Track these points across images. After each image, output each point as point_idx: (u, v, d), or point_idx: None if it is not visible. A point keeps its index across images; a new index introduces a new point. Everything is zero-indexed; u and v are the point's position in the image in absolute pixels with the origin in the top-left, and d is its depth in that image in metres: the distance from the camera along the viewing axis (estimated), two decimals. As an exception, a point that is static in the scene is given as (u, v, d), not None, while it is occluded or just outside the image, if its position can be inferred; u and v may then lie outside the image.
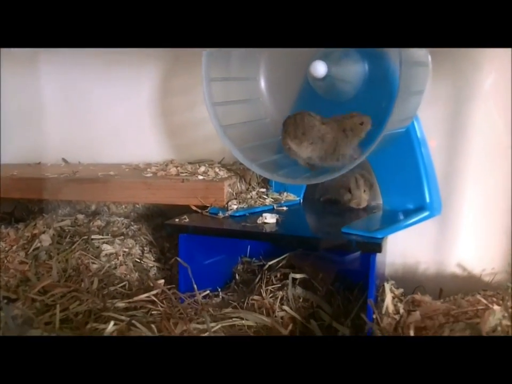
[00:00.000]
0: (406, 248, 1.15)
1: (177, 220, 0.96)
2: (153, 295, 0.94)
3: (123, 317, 0.85)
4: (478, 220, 1.10)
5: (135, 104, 1.34)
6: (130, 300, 0.92)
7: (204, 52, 0.99)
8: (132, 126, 1.35)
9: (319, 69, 0.91)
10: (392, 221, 0.92)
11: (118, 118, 1.37)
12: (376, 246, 0.81)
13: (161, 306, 0.91)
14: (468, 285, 1.05)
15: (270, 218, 0.94)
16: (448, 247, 1.13)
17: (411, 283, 1.08)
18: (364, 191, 1.04)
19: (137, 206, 1.27)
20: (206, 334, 0.79)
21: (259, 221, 0.94)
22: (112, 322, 0.80)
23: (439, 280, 1.12)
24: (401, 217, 0.94)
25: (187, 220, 0.96)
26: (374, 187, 1.06)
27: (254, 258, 1.16)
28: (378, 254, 0.84)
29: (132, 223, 1.21)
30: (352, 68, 0.95)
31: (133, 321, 0.82)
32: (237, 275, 1.12)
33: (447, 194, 1.08)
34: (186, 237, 0.94)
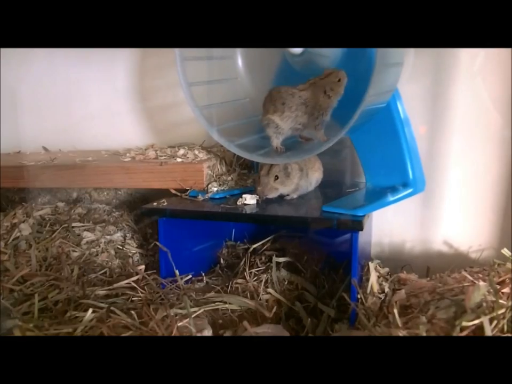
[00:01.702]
0: (392, 227, 1.15)
1: (155, 203, 0.94)
2: (134, 281, 0.92)
3: (102, 304, 0.84)
4: (464, 197, 1.09)
5: (113, 89, 1.32)
6: (110, 287, 0.90)
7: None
8: (112, 111, 1.33)
9: (296, 45, 0.88)
10: (374, 198, 0.90)
11: (98, 103, 1.34)
12: (357, 224, 0.79)
13: (142, 293, 0.89)
14: (455, 262, 1.04)
15: (250, 199, 0.92)
16: (435, 224, 1.13)
17: (398, 262, 1.07)
18: (276, 178, 0.95)
19: (119, 192, 1.25)
20: (186, 321, 0.77)
21: (239, 202, 0.93)
22: (90, 310, 0.79)
23: (426, 258, 1.12)
24: (384, 194, 0.92)
25: (165, 203, 0.94)
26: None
27: (238, 242, 1.15)
28: (361, 233, 0.82)
29: (114, 209, 1.19)
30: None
31: (112, 308, 0.81)
32: (221, 259, 1.10)
33: (432, 172, 1.08)
34: (165, 221, 0.92)
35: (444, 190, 1.10)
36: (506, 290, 0.79)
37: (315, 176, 1.01)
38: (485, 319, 0.64)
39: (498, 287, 0.77)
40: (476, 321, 0.65)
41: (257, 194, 0.95)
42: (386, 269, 0.97)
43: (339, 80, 0.91)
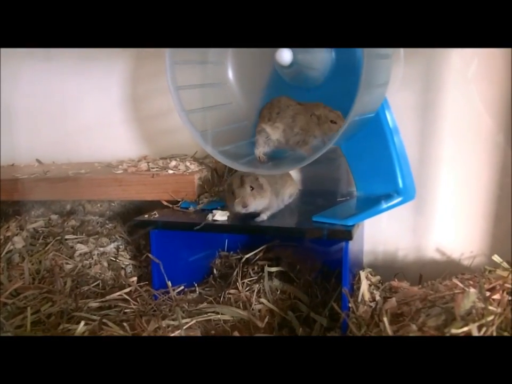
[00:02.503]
0: (385, 235, 1.15)
1: (146, 215, 0.94)
2: (127, 293, 0.92)
3: (95, 317, 0.84)
4: (455, 204, 1.10)
5: (107, 100, 1.32)
6: (103, 299, 0.91)
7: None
8: (105, 123, 1.33)
9: (285, 56, 0.89)
10: (364, 207, 0.91)
11: (91, 115, 1.34)
12: (347, 234, 0.80)
13: (134, 304, 0.90)
14: (448, 269, 1.04)
15: (220, 216, 0.91)
16: (427, 232, 1.13)
17: (391, 270, 1.08)
18: (252, 188, 0.89)
19: (113, 204, 1.25)
20: (178, 332, 0.78)
21: (209, 218, 0.91)
22: (82, 323, 0.79)
23: (419, 266, 1.12)
24: (374, 203, 0.92)
25: (157, 215, 0.94)
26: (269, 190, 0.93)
27: (231, 252, 1.15)
28: (352, 242, 0.83)
29: (107, 221, 1.20)
30: (319, 55, 0.93)
31: (104, 321, 0.81)
32: (214, 269, 1.11)
33: (424, 179, 1.08)
34: (157, 233, 0.93)
35: (436, 198, 1.11)
36: (496, 296, 0.79)
37: (288, 191, 1.01)
38: (473, 326, 0.64)
39: (488, 293, 0.78)
40: (465, 329, 0.65)
41: (235, 208, 0.89)
42: (378, 277, 0.98)
43: (332, 121, 0.91)
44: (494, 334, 0.64)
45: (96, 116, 1.35)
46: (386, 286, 0.95)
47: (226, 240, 1.16)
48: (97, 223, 1.19)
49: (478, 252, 1.09)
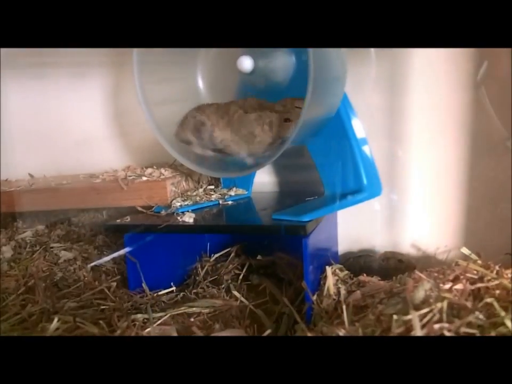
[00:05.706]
0: (360, 233, 1.17)
1: (118, 220, 0.98)
2: (104, 293, 0.96)
3: (70, 315, 0.88)
4: (429, 200, 1.13)
5: (94, 116, 1.38)
6: (79, 298, 0.94)
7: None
8: (93, 137, 1.38)
9: (246, 64, 0.93)
10: (324, 204, 0.94)
11: (79, 131, 1.40)
12: (302, 229, 0.82)
13: (108, 304, 0.93)
14: (424, 264, 1.06)
15: (187, 218, 0.95)
16: (402, 228, 1.15)
17: (367, 267, 1.09)
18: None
19: (97, 212, 1.30)
20: (149, 329, 0.81)
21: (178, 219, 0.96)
22: (56, 319, 0.82)
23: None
24: (337, 200, 0.95)
25: (129, 219, 0.98)
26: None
27: (212, 254, 1.18)
28: (315, 237, 0.86)
29: (91, 229, 1.24)
30: (280, 59, 0.97)
31: (77, 319, 0.85)
32: (194, 271, 1.13)
33: (396, 177, 1.11)
34: (131, 237, 0.96)
35: (410, 194, 1.14)
36: (459, 286, 0.81)
37: None
38: (414, 315, 0.66)
39: (443, 284, 0.80)
40: (409, 316, 0.67)
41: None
42: (346, 272, 1.00)
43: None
44: (444, 320, 0.66)
45: (85, 130, 1.40)
46: (355, 280, 0.98)
47: (207, 243, 1.19)
48: (82, 231, 1.23)
49: (453, 245, 1.11)
